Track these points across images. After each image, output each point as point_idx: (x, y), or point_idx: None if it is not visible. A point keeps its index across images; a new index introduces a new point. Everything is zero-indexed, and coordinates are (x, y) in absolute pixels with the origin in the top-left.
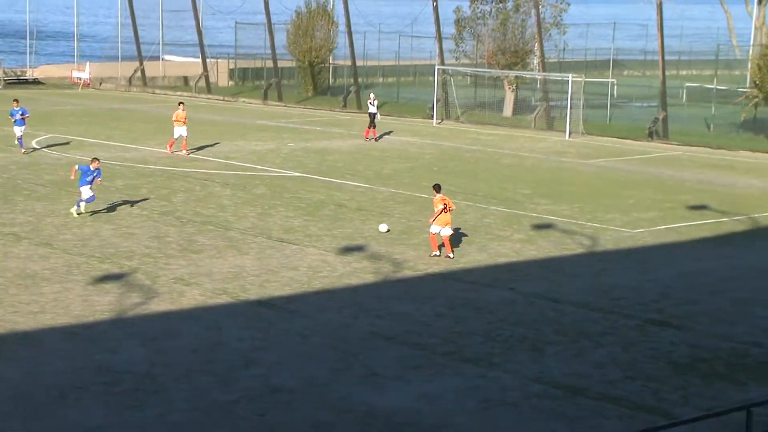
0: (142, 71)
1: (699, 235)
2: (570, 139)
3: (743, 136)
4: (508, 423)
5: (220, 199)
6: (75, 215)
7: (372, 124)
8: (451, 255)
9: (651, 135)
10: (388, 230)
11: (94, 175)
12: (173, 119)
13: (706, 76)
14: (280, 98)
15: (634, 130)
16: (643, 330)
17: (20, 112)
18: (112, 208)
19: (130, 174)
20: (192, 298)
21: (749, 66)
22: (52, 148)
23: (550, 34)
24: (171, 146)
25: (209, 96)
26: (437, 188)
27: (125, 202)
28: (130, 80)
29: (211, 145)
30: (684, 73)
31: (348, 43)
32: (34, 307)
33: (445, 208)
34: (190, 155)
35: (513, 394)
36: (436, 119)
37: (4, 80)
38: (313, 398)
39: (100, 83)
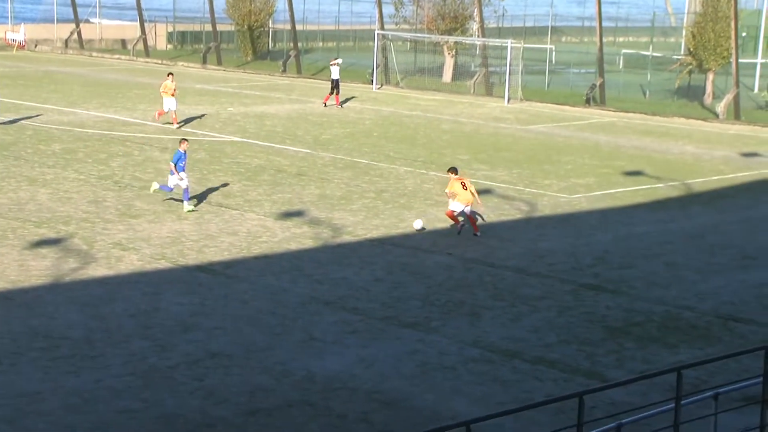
0: (79, 33)
1: (634, 200)
2: (509, 105)
3: (678, 102)
4: (445, 386)
5: (159, 164)
6: (192, 209)
7: (335, 89)
8: (478, 233)
9: (588, 101)
10: (423, 228)
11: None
12: (161, 90)
13: (643, 43)
14: (219, 62)
15: (571, 96)
16: (579, 294)
17: None
18: (48, 173)
19: (67, 138)
20: (130, 263)
21: (684, 34)
22: None
23: (489, 0)
24: (160, 115)
25: (147, 59)
26: (454, 171)
27: (62, 167)
28: (66, 42)
29: (149, 110)
30: (621, 39)
31: (287, 6)
32: None
33: (464, 186)
34: (180, 128)
35: (450, 358)
36: (376, 85)
37: None
38: (252, 363)
39: (36, 45)
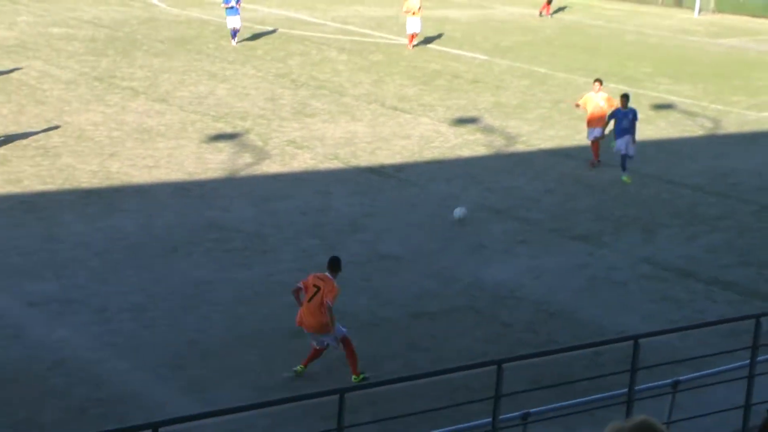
0: None
1: None
2: (699, 17)
3: None
4: (613, 301)
5: (336, 65)
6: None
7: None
8: (597, 161)
9: None
10: (462, 216)
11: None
12: (404, 11)
13: None
14: None
15: None
16: (763, 216)
17: None
18: (227, 69)
19: (247, 34)
20: (303, 161)
21: None
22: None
23: None
24: (411, 41)
25: None
26: (599, 82)
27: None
28: None
29: (328, 10)
30: None
31: None
32: (149, 162)
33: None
34: (413, 48)
35: (620, 274)
36: None
37: None
38: (420, 267)
39: None
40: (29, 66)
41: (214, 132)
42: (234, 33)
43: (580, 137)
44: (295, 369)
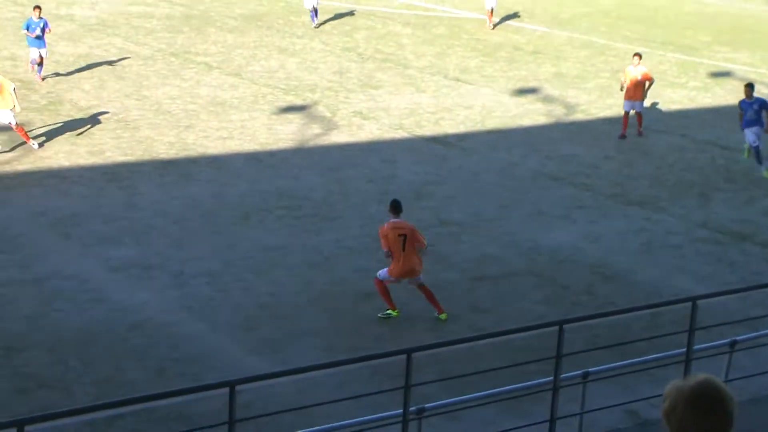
0: None
1: None
2: None
3: None
4: (670, 264)
5: (400, 38)
6: None
7: None
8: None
9: None
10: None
11: None
12: None
13: None
14: None
15: None
16: None
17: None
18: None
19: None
20: (370, 131)
21: None
22: None
23: None
24: (490, 20)
25: None
26: (638, 56)
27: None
28: None
29: None
30: None
31: None
32: (223, 133)
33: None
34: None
35: (677, 238)
36: None
37: None
38: (481, 232)
39: None
40: (110, 43)
41: (284, 104)
42: (314, 14)
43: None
44: (439, 317)
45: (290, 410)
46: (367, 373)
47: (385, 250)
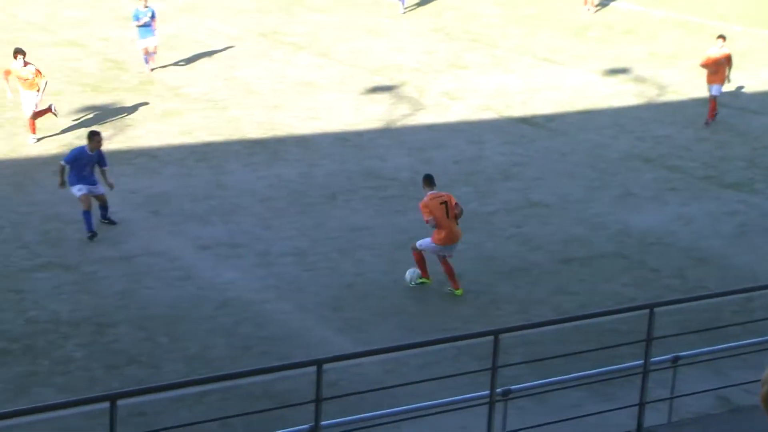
0: None
1: None
2: None
3: None
4: (764, 248)
5: (489, 18)
6: None
7: None
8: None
9: None
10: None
11: None
12: None
13: None
14: None
15: None
16: None
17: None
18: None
19: None
20: (457, 112)
21: None
22: None
23: None
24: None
25: None
26: (722, 38)
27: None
28: None
29: None
30: None
31: None
32: (310, 113)
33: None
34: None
35: None
36: None
37: None
38: (569, 214)
39: None
40: (200, 24)
41: (372, 84)
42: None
43: (731, 86)
44: (454, 291)
45: (376, 390)
46: (452, 354)
47: (429, 218)
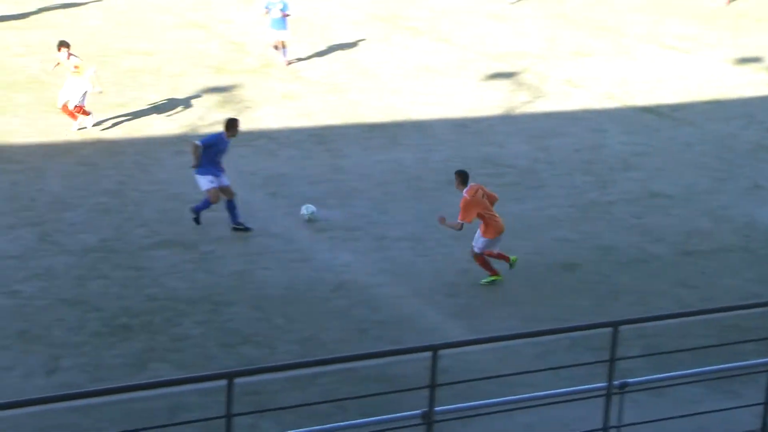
0: None
1: None
2: None
3: None
4: None
5: (614, 5)
6: None
7: None
8: None
9: None
10: (310, 215)
11: None
12: None
13: None
14: None
15: None
16: None
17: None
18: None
19: None
20: (579, 100)
21: None
22: None
23: None
24: None
25: None
26: None
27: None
28: None
29: None
30: None
31: None
32: (429, 98)
33: None
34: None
35: None
36: None
37: None
38: (693, 205)
39: None
40: (321, 8)
41: (492, 71)
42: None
43: None
44: (487, 280)
45: (491, 377)
46: (566, 345)
47: (467, 222)
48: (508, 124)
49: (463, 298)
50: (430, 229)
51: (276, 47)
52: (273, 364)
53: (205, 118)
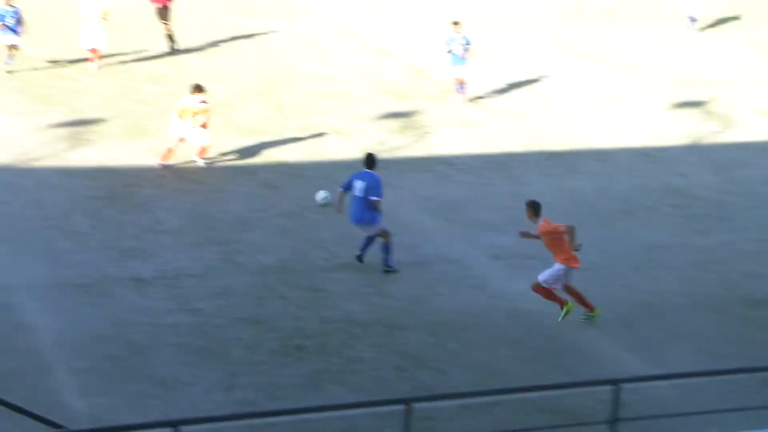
0: None
1: None
2: None
3: None
4: None
5: None
6: None
7: None
8: None
9: None
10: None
11: None
12: None
13: None
14: None
15: None
16: None
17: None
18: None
19: None
20: None
21: None
22: None
23: None
24: None
25: None
26: None
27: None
28: None
29: None
30: None
31: None
32: (611, 126)
33: None
34: None
35: None
36: None
37: None
38: None
39: None
40: (504, 35)
41: (678, 99)
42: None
43: None
44: (590, 314)
45: (675, 415)
46: (754, 383)
47: (565, 226)
48: (695, 154)
49: (642, 330)
50: (610, 259)
51: (458, 82)
52: (450, 391)
53: (385, 143)
